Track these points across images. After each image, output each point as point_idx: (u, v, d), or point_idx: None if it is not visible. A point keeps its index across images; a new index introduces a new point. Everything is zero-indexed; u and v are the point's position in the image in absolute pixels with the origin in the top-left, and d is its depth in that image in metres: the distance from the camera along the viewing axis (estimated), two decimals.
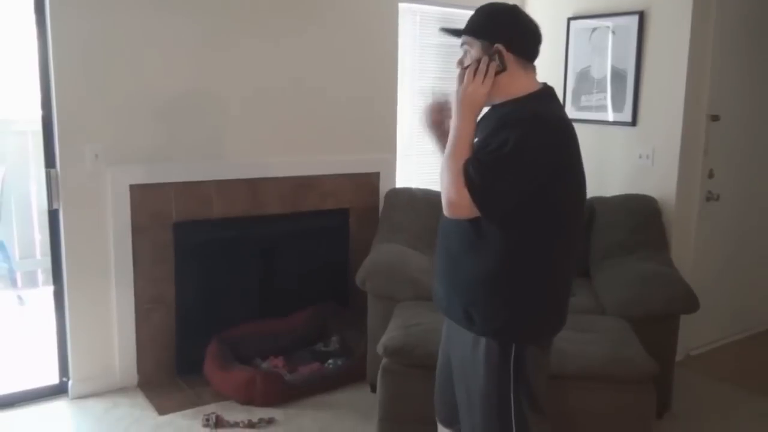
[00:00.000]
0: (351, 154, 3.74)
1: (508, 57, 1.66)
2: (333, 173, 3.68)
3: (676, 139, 3.48)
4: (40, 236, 4.58)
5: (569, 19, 3.96)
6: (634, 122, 3.66)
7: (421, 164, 4.13)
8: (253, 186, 3.43)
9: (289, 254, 3.68)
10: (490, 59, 1.65)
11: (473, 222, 1.64)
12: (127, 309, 3.17)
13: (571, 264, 1.75)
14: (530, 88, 1.70)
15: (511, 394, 1.70)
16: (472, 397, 1.76)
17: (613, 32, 3.74)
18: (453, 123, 1.67)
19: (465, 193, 1.58)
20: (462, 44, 1.74)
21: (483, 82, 1.64)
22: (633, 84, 3.65)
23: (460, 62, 1.74)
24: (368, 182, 3.81)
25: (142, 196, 3.14)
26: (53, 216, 3.05)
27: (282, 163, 3.51)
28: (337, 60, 3.60)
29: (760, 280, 4.22)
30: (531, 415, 1.73)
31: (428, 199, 3.64)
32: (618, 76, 3.72)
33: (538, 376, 1.74)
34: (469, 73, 1.66)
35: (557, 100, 1.75)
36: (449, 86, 4.37)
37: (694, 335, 3.77)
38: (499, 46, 1.66)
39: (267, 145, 3.46)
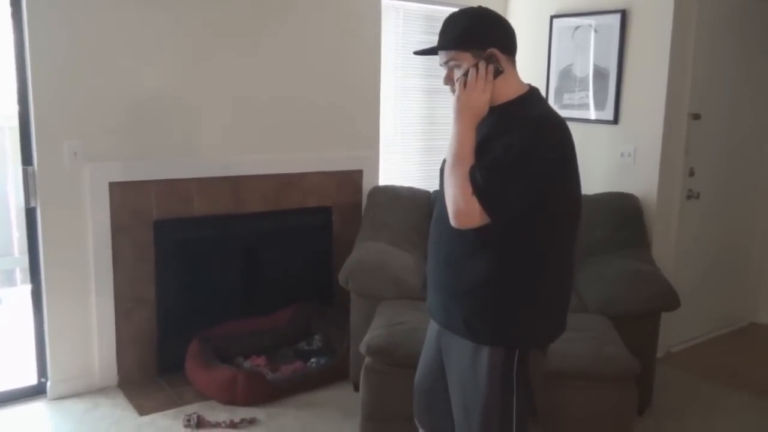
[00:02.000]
0: (334, 151, 3.72)
1: (501, 58, 1.65)
2: (316, 171, 3.65)
3: (658, 138, 3.51)
4: (18, 234, 4.50)
5: (552, 17, 3.97)
6: (616, 120, 3.68)
7: (404, 162, 4.12)
8: (234, 184, 3.40)
9: (271, 252, 3.66)
10: (488, 64, 1.62)
11: (475, 228, 1.61)
12: (106, 308, 3.13)
13: (571, 265, 1.75)
14: (521, 90, 1.69)
15: (514, 400, 1.68)
16: (470, 409, 1.72)
17: (596, 31, 3.75)
18: (453, 131, 1.64)
19: (474, 202, 1.55)
20: (447, 62, 1.69)
21: (484, 88, 1.62)
22: (615, 82, 3.66)
23: (449, 79, 1.71)
24: (351, 180, 3.79)
25: (122, 194, 3.10)
26: (30, 214, 3.00)
27: (264, 160, 3.48)
28: (319, 57, 3.58)
29: (740, 277, 4.27)
30: (530, 421, 1.73)
31: (412, 197, 3.65)
32: (600, 74, 3.73)
33: (538, 379, 1.74)
34: (470, 80, 1.63)
35: (545, 100, 1.76)
36: (433, 83, 4.29)
37: (675, 332, 3.81)
38: (493, 50, 1.63)
39: (249, 143, 3.43)
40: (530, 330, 1.69)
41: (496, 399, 1.68)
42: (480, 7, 1.72)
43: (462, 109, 1.63)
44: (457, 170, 1.59)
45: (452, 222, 1.61)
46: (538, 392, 1.74)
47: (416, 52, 1.81)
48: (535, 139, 1.56)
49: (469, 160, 1.60)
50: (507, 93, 1.66)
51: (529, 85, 1.73)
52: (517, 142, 1.55)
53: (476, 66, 1.63)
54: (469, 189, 1.56)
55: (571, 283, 1.78)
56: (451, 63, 1.68)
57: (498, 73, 1.63)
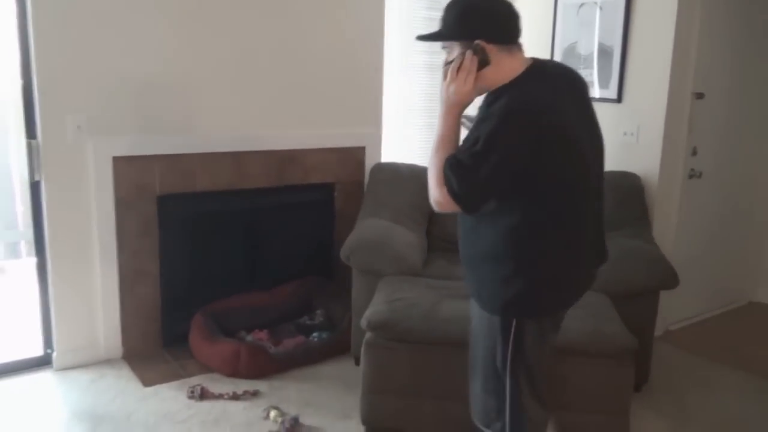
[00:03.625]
0: (336, 128, 3.72)
1: (491, 49, 1.66)
2: (318, 147, 3.66)
3: (661, 117, 3.50)
4: (22, 207, 4.53)
5: None
6: (619, 99, 3.67)
7: (407, 139, 4.12)
8: (237, 159, 3.42)
9: (273, 228, 3.68)
10: (474, 54, 1.65)
11: None
12: (111, 281, 3.17)
13: (576, 242, 1.76)
14: (516, 71, 1.68)
15: (508, 365, 1.79)
16: (477, 361, 1.89)
17: (601, 8, 3.72)
18: (438, 121, 1.70)
19: (444, 191, 1.63)
20: (443, 47, 1.76)
21: (465, 79, 1.65)
22: (619, 61, 3.64)
23: (447, 61, 1.74)
24: (353, 157, 3.80)
25: (126, 169, 3.12)
26: (35, 188, 3.02)
27: (266, 136, 3.49)
28: (322, 34, 3.56)
29: (740, 256, 4.29)
30: (527, 389, 1.82)
31: (413, 175, 3.65)
32: (604, 52, 3.71)
33: (537, 353, 1.80)
34: (452, 71, 1.67)
35: (543, 75, 1.71)
36: (437, 60, 4.27)
37: (674, 310, 3.84)
38: (479, 43, 1.65)
39: (251, 119, 3.43)
40: (523, 303, 1.75)
41: (493, 361, 1.81)
42: None
43: (444, 100, 1.69)
44: (434, 159, 1.67)
45: (433, 207, 1.72)
46: (539, 368, 1.82)
47: (418, 37, 1.82)
48: (497, 128, 1.58)
49: (447, 148, 1.67)
50: (500, 79, 1.67)
51: (531, 60, 1.72)
52: (483, 133, 1.59)
53: (462, 55, 1.66)
54: (442, 179, 1.63)
55: (576, 260, 1.80)
56: (446, 49, 1.75)
57: (484, 64, 1.65)
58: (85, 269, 3.12)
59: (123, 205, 3.14)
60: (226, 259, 3.56)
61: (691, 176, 3.74)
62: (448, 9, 1.72)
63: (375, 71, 3.78)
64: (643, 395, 3.04)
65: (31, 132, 2.96)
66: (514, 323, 1.75)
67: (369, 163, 3.80)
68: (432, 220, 3.59)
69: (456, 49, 1.69)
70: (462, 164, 1.61)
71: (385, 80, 3.86)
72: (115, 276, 3.17)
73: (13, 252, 4.66)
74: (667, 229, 3.67)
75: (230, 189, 3.42)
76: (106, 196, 3.08)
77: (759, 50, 3.97)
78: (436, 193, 1.67)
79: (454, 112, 1.69)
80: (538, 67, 1.72)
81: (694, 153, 3.71)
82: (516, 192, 1.65)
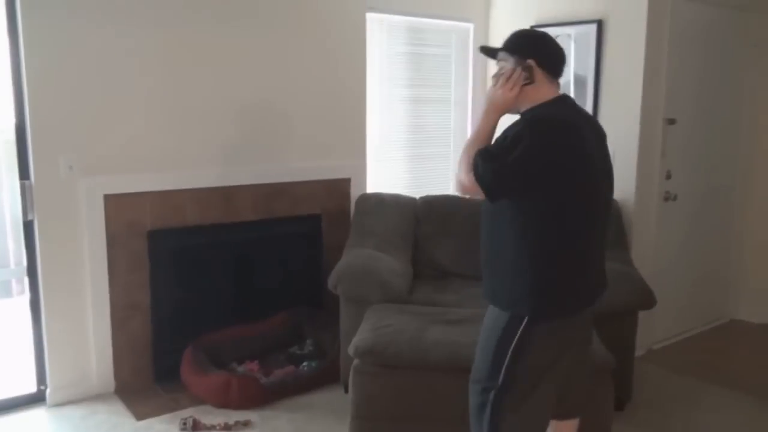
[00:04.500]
0: (322, 160, 3.82)
1: (537, 71, 1.91)
2: (305, 179, 3.76)
3: (635, 142, 3.63)
4: (13, 245, 4.57)
5: (532, 27, 4.09)
6: None
7: (390, 170, 4.23)
8: (226, 193, 3.51)
9: (263, 260, 3.76)
10: (522, 70, 1.90)
11: (490, 208, 1.92)
12: (102, 317, 3.22)
13: (579, 250, 1.92)
14: (549, 97, 1.94)
15: (508, 355, 1.90)
16: (482, 344, 2.02)
17: (574, 40, 3.88)
18: (478, 119, 1.98)
19: (471, 176, 1.87)
20: (498, 60, 2.01)
21: (511, 88, 1.91)
22: (593, 89, 3.79)
23: (497, 74, 2.00)
24: (340, 188, 3.90)
25: (117, 206, 3.20)
26: (28, 227, 3.10)
27: (255, 170, 3.58)
28: (307, 69, 3.69)
29: (720, 275, 4.39)
30: (523, 385, 1.92)
31: (397, 204, 3.75)
32: (579, 81, 3.86)
33: (539, 355, 1.92)
34: (502, 78, 1.94)
35: (570, 105, 1.97)
36: (418, 93, 4.39)
37: (656, 330, 3.93)
38: (530, 62, 1.91)
39: (240, 154, 3.53)
40: (530, 305, 1.89)
41: (490, 354, 1.95)
42: (543, 32, 2.05)
43: (488, 100, 1.97)
44: (469, 149, 1.93)
45: (455, 190, 1.99)
46: (539, 371, 1.93)
47: (481, 48, 2.11)
48: (524, 131, 1.82)
49: (482, 142, 1.94)
50: (537, 99, 1.93)
51: (562, 94, 1.98)
52: (512, 134, 1.84)
53: (513, 69, 1.92)
54: (471, 165, 1.87)
55: (581, 270, 1.95)
56: (501, 62, 1.99)
57: (528, 80, 1.90)
58: (78, 305, 3.18)
59: (114, 241, 3.21)
60: (217, 292, 3.62)
61: (666, 199, 3.86)
62: (513, 33, 2.02)
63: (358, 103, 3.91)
64: (627, 413, 3.11)
65: (24, 173, 3.04)
66: (524, 321, 1.88)
67: (354, 194, 3.90)
68: (417, 247, 3.68)
69: (510, 64, 1.95)
70: (490, 154, 1.85)
71: (369, 113, 3.99)
72: (106, 311, 3.23)
73: (5, 291, 4.69)
74: (646, 251, 3.77)
75: (220, 222, 3.50)
76: (98, 232, 3.16)
77: (725, 77, 4.13)
78: (463, 177, 1.90)
79: (494, 113, 1.96)
80: (569, 99, 2.00)
81: (669, 176, 3.84)
82: (531, 191, 1.82)
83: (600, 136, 2.02)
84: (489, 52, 2.07)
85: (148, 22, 3.18)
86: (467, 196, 2.00)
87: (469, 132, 4.42)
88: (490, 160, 1.83)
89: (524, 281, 1.88)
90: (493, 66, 2.07)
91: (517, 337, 1.90)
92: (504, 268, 1.93)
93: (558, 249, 1.88)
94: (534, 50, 1.95)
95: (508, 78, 1.92)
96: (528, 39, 2.02)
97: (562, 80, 2.03)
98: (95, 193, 3.13)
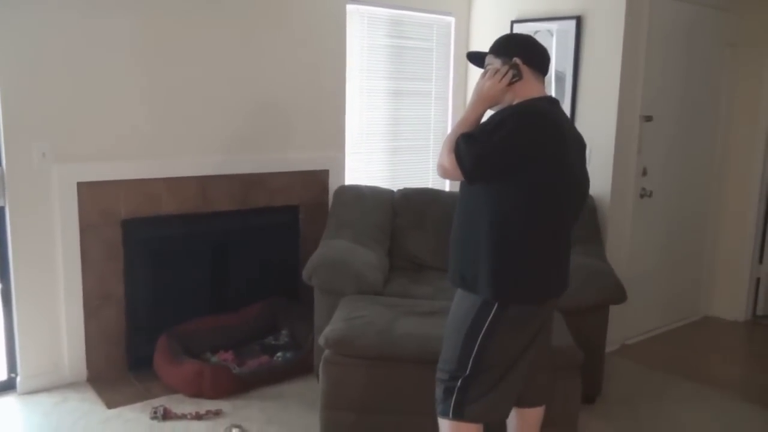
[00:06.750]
0: (301, 152, 3.82)
1: (524, 69, 2.00)
2: (283, 171, 3.75)
3: (611, 139, 3.66)
4: None
5: (512, 22, 4.10)
6: (572, 122, 3.82)
7: (369, 162, 4.24)
8: (202, 183, 3.49)
9: (239, 250, 3.75)
10: (510, 67, 2.00)
11: (469, 191, 1.99)
12: (75, 305, 3.21)
13: (551, 240, 1.97)
14: (537, 94, 2.02)
15: (478, 341, 1.97)
16: (449, 331, 2.07)
17: (554, 36, 3.89)
18: (467, 107, 2.06)
19: (452, 157, 1.94)
20: (486, 65, 2.09)
21: (500, 80, 1.99)
22: (571, 85, 3.81)
23: (483, 75, 2.08)
24: (318, 179, 3.90)
25: (90, 194, 3.18)
26: None
27: (231, 160, 3.57)
28: (286, 60, 3.68)
29: (694, 272, 4.44)
30: (491, 372, 1.97)
31: (375, 196, 3.76)
32: (559, 77, 3.87)
33: (507, 343, 1.98)
34: (490, 72, 2.03)
35: (555, 105, 2.04)
36: (397, 85, 4.41)
37: (631, 325, 3.97)
38: (517, 60, 2.01)
39: (216, 143, 3.52)
40: (501, 289, 1.94)
41: (460, 341, 2.00)
42: (524, 34, 2.14)
43: (475, 91, 2.05)
44: (452, 135, 2.00)
45: (437, 172, 2.06)
46: (506, 355, 1.98)
47: (468, 54, 2.21)
48: (506, 119, 1.90)
49: (466, 127, 2.00)
50: (524, 94, 2.01)
51: (550, 95, 2.07)
52: (497, 119, 1.92)
53: (502, 66, 2.02)
54: (452, 147, 1.95)
55: (553, 261, 2.01)
56: (488, 66, 2.08)
57: (515, 77, 1.99)
58: (50, 294, 3.16)
59: (88, 230, 3.19)
60: (192, 282, 3.62)
61: (642, 195, 3.89)
62: (498, 39, 2.11)
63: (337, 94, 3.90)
64: (596, 407, 3.14)
65: None
66: (495, 307, 1.94)
67: (333, 186, 3.90)
68: (394, 240, 3.69)
69: (497, 65, 2.03)
70: (473, 137, 1.93)
71: (348, 105, 3.98)
72: (79, 300, 3.22)
73: None
74: (621, 247, 3.80)
75: (196, 212, 3.49)
76: (71, 221, 3.14)
77: (702, 76, 4.17)
78: (444, 159, 1.97)
79: (482, 104, 2.04)
80: (557, 102, 2.06)
81: (645, 173, 3.87)
82: (509, 175, 1.88)
83: (580, 144, 2.08)
84: (476, 58, 2.15)
85: (123, 9, 3.15)
86: (447, 180, 2.06)
87: (449, 126, 4.43)
88: (472, 143, 1.91)
89: (497, 266, 1.93)
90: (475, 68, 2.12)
91: (487, 323, 1.95)
92: (477, 251, 1.97)
93: (530, 236, 1.93)
94: (519, 49, 2.04)
95: (497, 71, 2.00)
96: (512, 40, 2.16)
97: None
98: (68, 180, 3.11)
